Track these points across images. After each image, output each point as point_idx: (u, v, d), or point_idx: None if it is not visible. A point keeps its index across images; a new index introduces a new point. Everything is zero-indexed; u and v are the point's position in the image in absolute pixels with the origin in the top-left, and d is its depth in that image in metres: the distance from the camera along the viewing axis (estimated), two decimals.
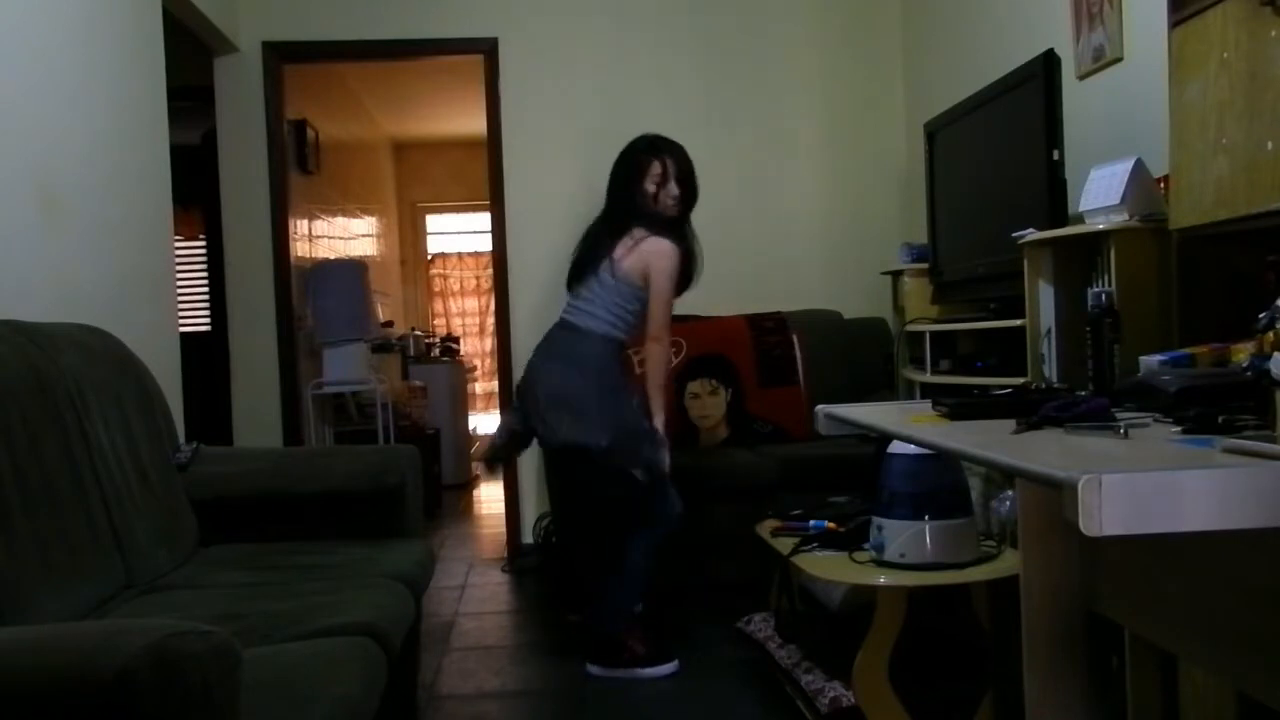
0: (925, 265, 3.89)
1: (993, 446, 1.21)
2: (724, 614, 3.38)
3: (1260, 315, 1.31)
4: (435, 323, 8.89)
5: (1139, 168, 2.47)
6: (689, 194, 3.30)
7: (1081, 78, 3.12)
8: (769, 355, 4.33)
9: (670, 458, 3.21)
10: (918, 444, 1.68)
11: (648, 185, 3.24)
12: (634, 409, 3.20)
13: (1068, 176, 2.84)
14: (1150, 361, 1.71)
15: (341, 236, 6.17)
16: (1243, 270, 1.97)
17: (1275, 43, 1.78)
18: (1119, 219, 2.46)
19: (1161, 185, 2.41)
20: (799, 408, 4.20)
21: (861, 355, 4.44)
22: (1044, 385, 2.38)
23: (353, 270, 5.39)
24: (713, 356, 4.27)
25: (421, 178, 8.71)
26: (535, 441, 3.35)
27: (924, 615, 2.48)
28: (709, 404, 4.22)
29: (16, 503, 1.85)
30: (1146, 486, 0.93)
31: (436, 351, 7.61)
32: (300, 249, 4.97)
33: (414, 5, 4.66)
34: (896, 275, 4.27)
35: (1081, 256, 2.63)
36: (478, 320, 8.99)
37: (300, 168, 5.05)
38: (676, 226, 3.27)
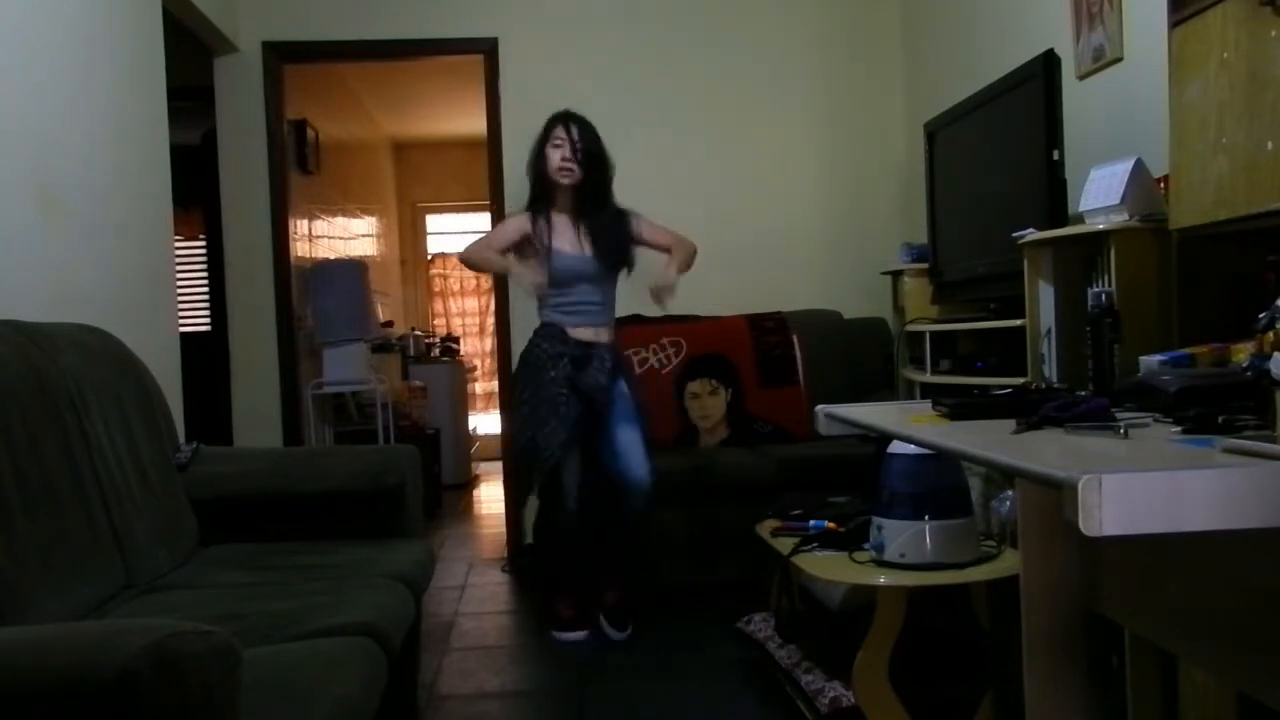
0: (925, 265, 3.88)
1: (993, 446, 1.21)
2: (724, 614, 3.38)
3: (1260, 315, 1.31)
4: (435, 323, 8.88)
5: (1139, 168, 2.47)
6: (592, 166, 3.44)
7: (1081, 78, 3.12)
8: (769, 355, 4.33)
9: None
10: (918, 444, 1.68)
11: (548, 149, 3.47)
12: (536, 393, 3.44)
13: (1068, 176, 2.84)
14: (1150, 361, 1.71)
15: (341, 236, 6.17)
16: (1243, 270, 1.97)
17: (1275, 43, 1.78)
18: (1119, 219, 2.46)
19: (1161, 185, 2.41)
20: (799, 408, 4.20)
21: (861, 355, 4.43)
22: (1044, 385, 2.38)
23: (353, 270, 5.39)
24: (713, 356, 4.27)
25: (421, 178, 8.70)
26: None
27: (924, 615, 2.48)
28: (709, 404, 4.22)
29: (16, 503, 1.85)
30: (1146, 486, 0.93)
31: (436, 351, 7.61)
32: (300, 249, 4.97)
33: (414, 5, 4.66)
34: (896, 275, 4.27)
35: (1081, 256, 2.62)
36: (478, 320, 8.98)
37: (300, 168, 5.05)
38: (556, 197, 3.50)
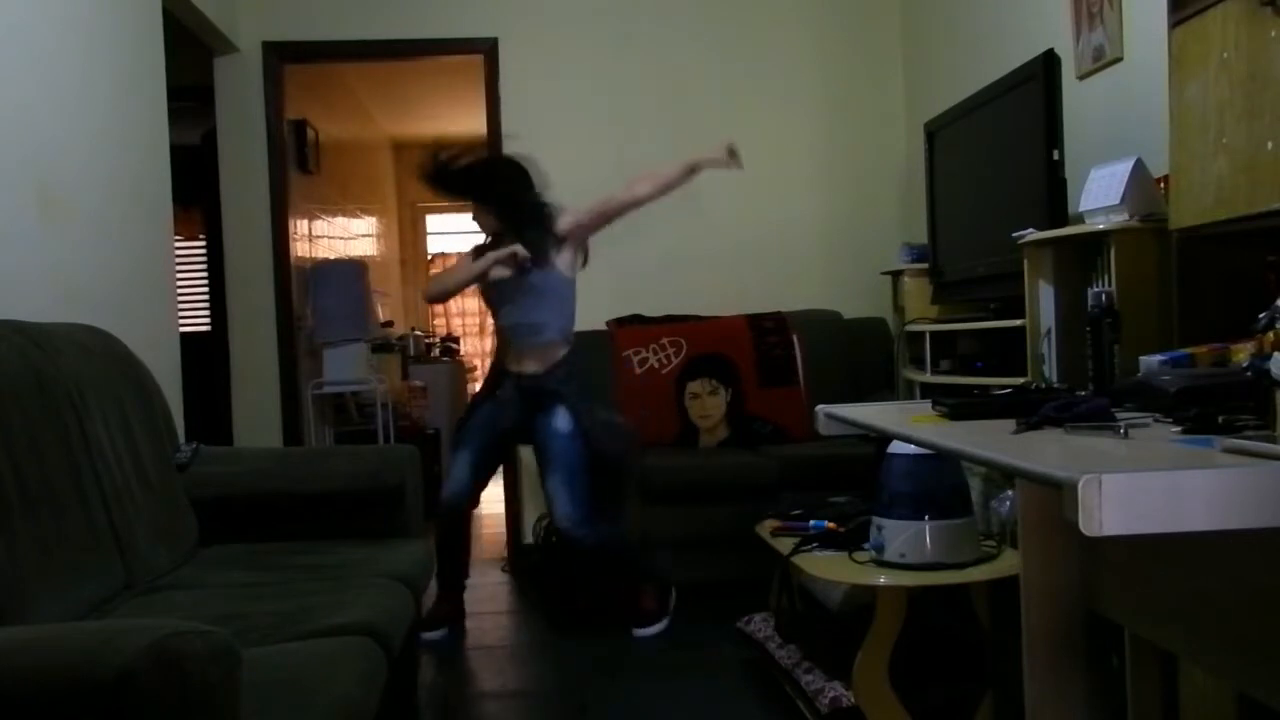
0: (925, 265, 3.88)
1: (993, 446, 1.21)
2: (724, 614, 3.38)
3: (1260, 315, 1.31)
4: (435, 323, 8.88)
5: (1139, 168, 2.47)
6: (504, 213, 3.58)
7: (1081, 78, 3.12)
8: (769, 355, 4.32)
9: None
10: (918, 444, 1.68)
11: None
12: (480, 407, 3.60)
13: (1068, 176, 2.84)
14: (1150, 361, 1.71)
15: (341, 236, 6.17)
16: (1243, 270, 1.97)
17: (1275, 43, 1.78)
18: (1119, 219, 2.46)
19: (1161, 185, 2.41)
20: (799, 408, 4.20)
21: (861, 355, 4.44)
22: (1044, 385, 2.37)
23: (353, 270, 5.39)
24: (713, 356, 4.27)
25: None
26: None
27: (924, 615, 2.48)
28: (709, 404, 4.21)
29: (16, 503, 1.84)
30: (1146, 486, 0.93)
31: (436, 351, 7.61)
32: (300, 249, 4.97)
33: (414, 5, 4.66)
34: (896, 275, 4.27)
35: (1081, 256, 2.62)
36: (478, 320, 8.98)
37: (300, 168, 5.05)
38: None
